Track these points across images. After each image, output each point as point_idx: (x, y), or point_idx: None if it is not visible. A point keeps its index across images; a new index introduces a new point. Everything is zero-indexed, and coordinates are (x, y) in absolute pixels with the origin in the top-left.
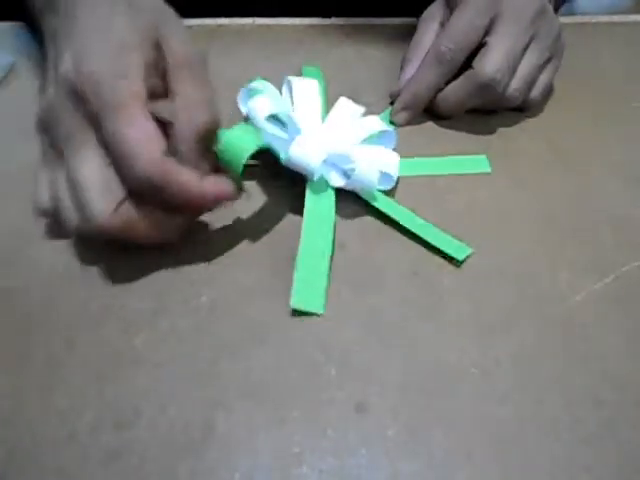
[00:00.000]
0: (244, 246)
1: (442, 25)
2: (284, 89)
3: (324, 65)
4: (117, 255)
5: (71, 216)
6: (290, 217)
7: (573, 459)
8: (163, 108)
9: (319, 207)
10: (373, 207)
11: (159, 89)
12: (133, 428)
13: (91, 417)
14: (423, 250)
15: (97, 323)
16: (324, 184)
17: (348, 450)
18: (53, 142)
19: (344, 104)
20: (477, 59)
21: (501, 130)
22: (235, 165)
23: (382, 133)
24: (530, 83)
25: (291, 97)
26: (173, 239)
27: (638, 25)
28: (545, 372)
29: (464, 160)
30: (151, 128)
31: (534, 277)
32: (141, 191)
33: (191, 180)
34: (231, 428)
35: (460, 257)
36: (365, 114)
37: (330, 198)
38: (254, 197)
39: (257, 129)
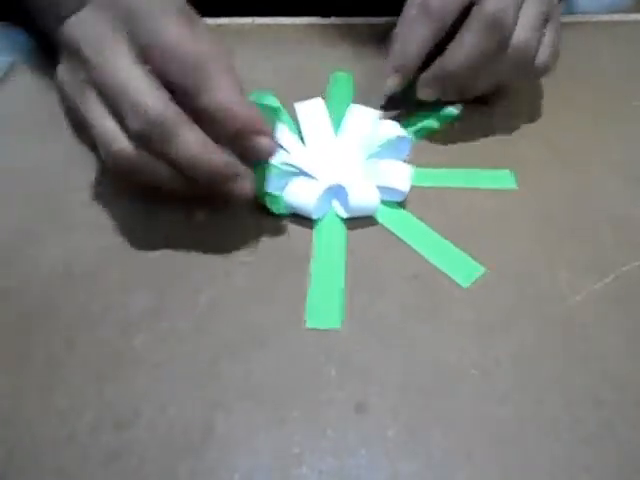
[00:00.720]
0: (244, 247)
1: None
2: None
3: (324, 65)
4: (117, 255)
5: (115, 135)
6: (292, 218)
7: (573, 459)
8: None
9: (328, 230)
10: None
11: None
12: (133, 428)
13: (91, 417)
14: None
15: (97, 323)
16: (332, 213)
17: (348, 450)
18: (92, 73)
19: (356, 112)
20: (477, 3)
21: (501, 129)
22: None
23: (397, 139)
24: (538, 35)
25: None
26: (207, 177)
27: (638, 24)
28: (545, 372)
29: (488, 174)
30: (193, 34)
31: (534, 277)
32: (179, 88)
33: (235, 90)
34: (231, 428)
35: (465, 283)
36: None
37: (339, 224)
38: (254, 197)
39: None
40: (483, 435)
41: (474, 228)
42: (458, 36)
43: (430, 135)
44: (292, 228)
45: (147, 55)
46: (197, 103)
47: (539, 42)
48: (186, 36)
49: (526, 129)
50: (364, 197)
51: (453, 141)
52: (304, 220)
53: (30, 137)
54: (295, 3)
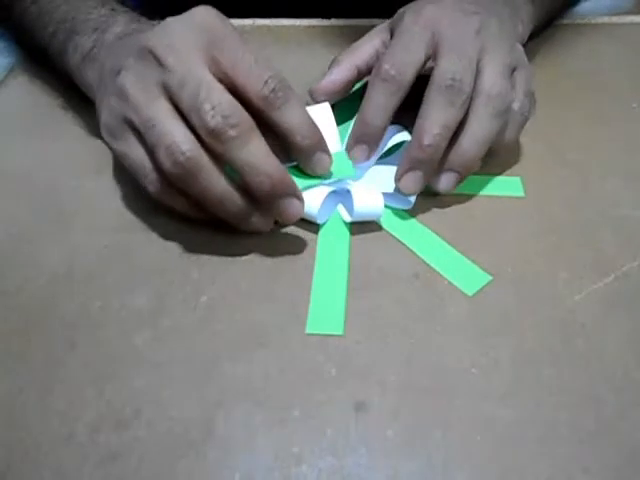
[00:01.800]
0: (245, 248)
1: (384, 45)
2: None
3: (324, 67)
4: (118, 255)
5: (149, 172)
6: None
7: (572, 459)
8: None
9: (332, 233)
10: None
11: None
12: (133, 428)
13: (91, 417)
14: None
15: (97, 323)
16: (337, 215)
17: (348, 450)
18: (128, 112)
19: None
20: (434, 70)
21: None
22: None
23: (404, 144)
24: (507, 82)
25: None
26: (233, 217)
27: (638, 26)
28: (544, 372)
29: (497, 181)
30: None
31: (534, 277)
32: (209, 131)
33: (267, 149)
34: (231, 428)
35: (470, 291)
36: None
37: (343, 228)
38: None
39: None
40: (483, 435)
41: (475, 228)
42: (421, 111)
43: None
44: (295, 229)
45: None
46: (229, 160)
47: (511, 89)
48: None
49: (526, 130)
50: (369, 202)
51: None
52: (303, 220)
53: (31, 137)
54: (296, 4)
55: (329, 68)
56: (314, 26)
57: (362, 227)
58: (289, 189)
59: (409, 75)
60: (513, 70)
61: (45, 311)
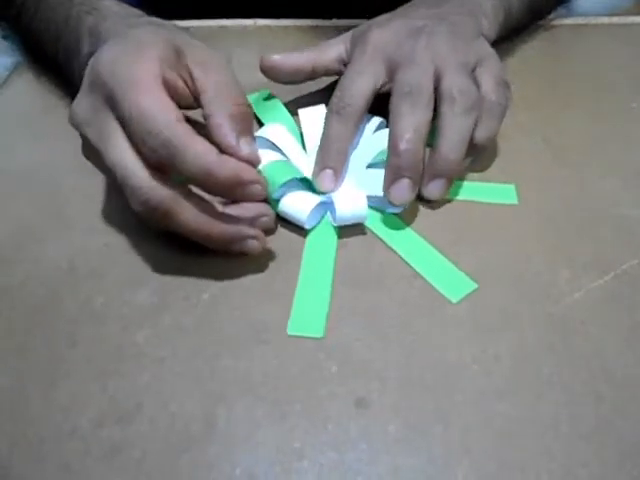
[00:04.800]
0: (245, 245)
1: (345, 53)
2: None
3: None
4: (119, 253)
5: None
6: None
7: (572, 455)
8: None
9: (320, 237)
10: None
11: (180, 90)
12: (135, 423)
13: (94, 412)
14: None
15: (99, 319)
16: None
17: (348, 445)
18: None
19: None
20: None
21: (501, 130)
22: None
23: None
24: (466, 79)
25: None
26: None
27: (638, 26)
28: (544, 369)
29: (490, 188)
30: (166, 97)
31: (534, 275)
32: (161, 160)
33: (208, 150)
34: (232, 423)
35: (454, 298)
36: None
37: (331, 232)
38: None
39: (287, 162)
40: (483, 430)
41: (475, 226)
42: (389, 120)
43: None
44: (293, 226)
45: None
46: (179, 171)
47: (474, 84)
48: (153, 107)
49: (526, 129)
50: (351, 205)
51: None
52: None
53: (35, 135)
54: (297, 4)
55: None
56: (315, 26)
57: (362, 226)
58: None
59: (360, 105)
60: (475, 65)
61: (47, 308)
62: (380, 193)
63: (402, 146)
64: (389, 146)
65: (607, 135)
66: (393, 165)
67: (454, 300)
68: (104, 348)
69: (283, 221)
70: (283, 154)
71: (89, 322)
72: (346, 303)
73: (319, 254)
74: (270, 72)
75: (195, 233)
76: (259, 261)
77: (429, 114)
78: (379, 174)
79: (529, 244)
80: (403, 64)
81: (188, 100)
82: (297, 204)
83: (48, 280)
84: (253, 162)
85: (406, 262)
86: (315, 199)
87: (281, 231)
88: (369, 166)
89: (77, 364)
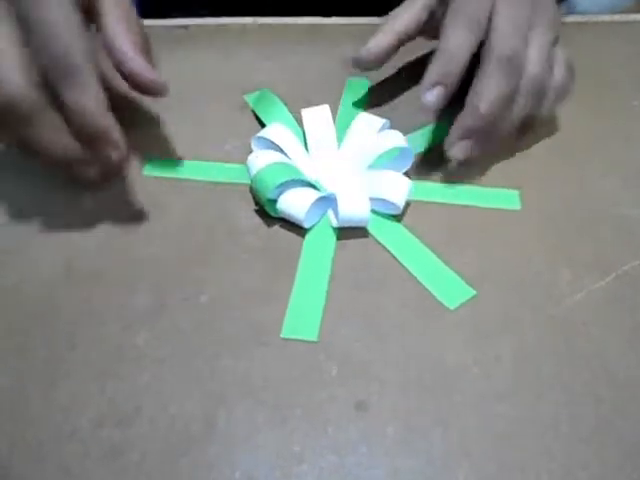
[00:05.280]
0: (245, 247)
1: (427, 10)
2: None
3: (325, 66)
4: (118, 254)
5: None
6: None
7: (572, 457)
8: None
9: (318, 238)
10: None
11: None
12: (135, 425)
13: (93, 414)
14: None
15: (98, 321)
16: (325, 220)
17: (348, 448)
18: None
19: (363, 120)
20: (489, 38)
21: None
22: (264, 199)
23: (399, 150)
24: (550, 63)
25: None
26: (66, 163)
27: (638, 24)
28: (545, 370)
29: (493, 193)
30: (76, 17)
31: (534, 275)
32: (53, 74)
33: (99, 94)
34: (232, 426)
35: (452, 305)
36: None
37: (330, 233)
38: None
39: (288, 166)
40: (483, 432)
41: (475, 227)
42: (478, 81)
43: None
44: (293, 227)
45: (27, 30)
46: (62, 97)
47: (551, 65)
48: (64, 22)
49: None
50: (354, 207)
51: None
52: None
53: None
54: (297, 3)
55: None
56: (315, 25)
57: (361, 236)
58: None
59: (484, 17)
60: (555, 42)
61: (47, 308)
62: (381, 195)
63: (484, 109)
64: (469, 103)
65: (608, 133)
66: (467, 125)
67: (452, 307)
68: (104, 349)
69: (282, 222)
70: (285, 154)
71: (88, 323)
72: (346, 305)
73: (317, 255)
74: (375, 63)
75: (43, 147)
76: (259, 262)
77: (516, 87)
78: (380, 176)
79: (530, 244)
80: (507, 18)
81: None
82: (295, 202)
83: (47, 280)
84: (160, 88)
85: (405, 267)
86: (313, 195)
87: (280, 232)
88: (370, 167)
89: (76, 365)
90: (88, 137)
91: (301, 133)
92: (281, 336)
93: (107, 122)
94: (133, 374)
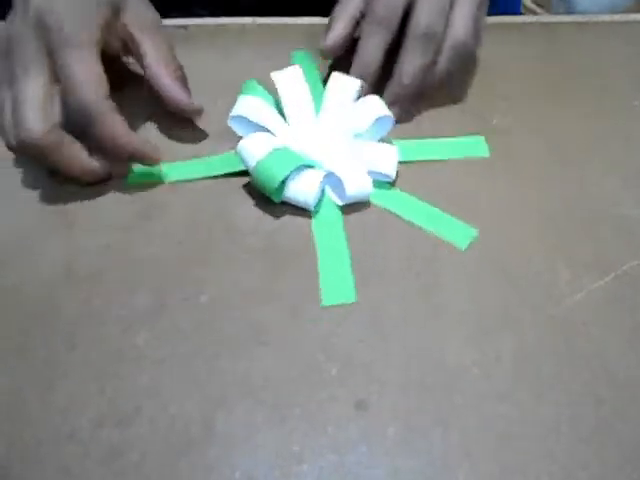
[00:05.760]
0: (245, 247)
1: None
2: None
3: (325, 63)
4: (118, 254)
5: (10, 131)
6: (292, 217)
7: (572, 457)
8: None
9: (325, 219)
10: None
11: (114, 49)
12: (134, 426)
13: (92, 415)
14: (425, 249)
15: (98, 321)
16: (327, 201)
17: (348, 448)
18: (9, 65)
19: (338, 82)
20: (409, 20)
21: (500, 129)
22: (269, 191)
23: (381, 117)
24: (472, 27)
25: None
26: (88, 180)
27: (638, 24)
28: (545, 370)
29: (461, 143)
30: (100, 70)
31: (534, 276)
32: (77, 122)
33: (121, 129)
34: (232, 426)
35: (463, 246)
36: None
37: (335, 210)
38: (255, 197)
39: (290, 153)
40: (483, 433)
41: (474, 227)
42: (400, 57)
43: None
44: (291, 227)
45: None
46: (89, 135)
47: (477, 32)
48: (86, 76)
49: (526, 129)
50: (360, 186)
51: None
52: (301, 218)
53: None
54: (296, 3)
55: (328, 27)
56: (314, 25)
57: (363, 224)
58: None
59: (398, 16)
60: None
61: (46, 309)
62: (376, 168)
63: (406, 80)
64: (395, 74)
65: (608, 134)
66: (394, 92)
67: (463, 248)
68: (103, 350)
69: (281, 222)
70: (263, 129)
71: (88, 323)
72: (346, 305)
73: (329, 232)
74: (337, 52)
75: (63, 171)
76: (259, 262)
77: (434, 57)
78: (369, 148)
79: (529, 244)
80: None
81: (116, 52)
82: (303, 188)
83: (46, 281)
84: (196, 111)
85: (418, 256)
86: (317, 178)
87: (280, 232)
88: (357, 137)
89: (76, 366)
90: (123, 157)
91: (273, 100)
92: (321, 305)
93: (136, 142)
94: (133, 374)
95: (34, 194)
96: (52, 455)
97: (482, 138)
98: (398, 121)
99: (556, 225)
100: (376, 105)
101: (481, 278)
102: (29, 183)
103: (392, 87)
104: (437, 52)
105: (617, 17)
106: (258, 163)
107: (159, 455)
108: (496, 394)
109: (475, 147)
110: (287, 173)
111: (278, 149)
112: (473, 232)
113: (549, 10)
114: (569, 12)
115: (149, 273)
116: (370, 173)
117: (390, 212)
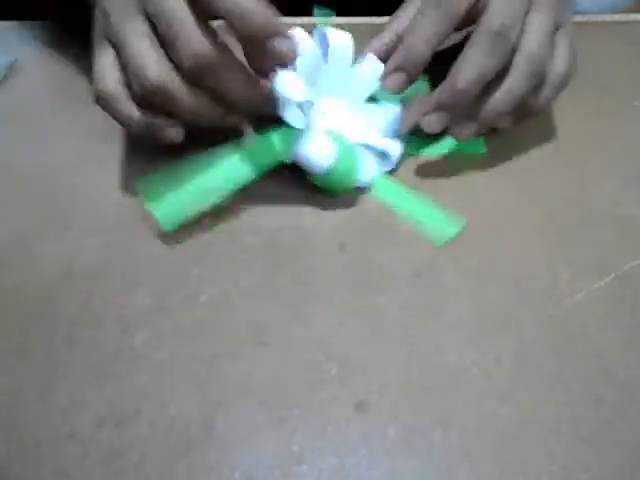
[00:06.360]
0: (245, 247)
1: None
2: (315, 41)
3: None
4: (118, 254)
5: (137, 72)
6: (292, 217)
7: (572, 458)
8: None
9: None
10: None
11: None
12: (133, 426)
13: (92, 415)
14: (424, 250)
15: (97, 322)
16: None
17: (348, 449)
18: (108, 31)
19: (365, 64)
20: (481, 14)
21: (500, 128)
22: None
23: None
24: (549, 41)
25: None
26: (210, 123)
27: (638, 24)
28: (545, 371)
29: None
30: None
31: (534, 276)
32: (194, 70)
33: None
34: (231, 427)
35: (442, 239)
36: None
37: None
38: (255, 197)
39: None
40: (483, 434)
41: (474, 227)
42: (462, 54)
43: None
44: (291, 226)
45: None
46: (215, 9)
47: (552, 49)
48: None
49: (526, 129)
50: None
51: None
52: (300, 218)
53: (31, 135)
54: (297, 2)
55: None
56: (315, 24)
57: (361, 226)
58: (276, 28)
59: (462, 6)
60: (557, 27)
61: (45, 309)
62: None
63: (461, 85)
64: (449, 75)
65: (608, 134)
66: (443, 98)
67: (442, 241)
68: (103, 350)
69: (281, 222)
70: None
71: (87, 324)
72: (346, 305)
73: (396, 194)
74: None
75: (189, 113)
76: (259, 262)
77: (502, 65)
78: (383, 111)
79: (529, 244)
80: None
81: None
82: (316, 153)
83: (46, 281)
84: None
85: (418, 256)
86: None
87: (281, 232)
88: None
89: (75, 366)
90: (261, 33)
91: None
92: (438, 245)
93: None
94: (132, 375)
95: (34, 194)
96: (51, 456)
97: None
98: (392, 159)
99: (556, 225)
100: (372, 65)
101: (481, 278)
102: (30, 183)
103: (441, 91)
104: (506, 60)
105: (617, 17)
106: (333, 166)
107: (159, 455)
108: (496, 394)
109: (472, 142)
110: (357, 166)
111: (343, 147)
112: (455, 228)
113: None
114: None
115: (149, 273)
116: (375, 154)
117: (388, 209)
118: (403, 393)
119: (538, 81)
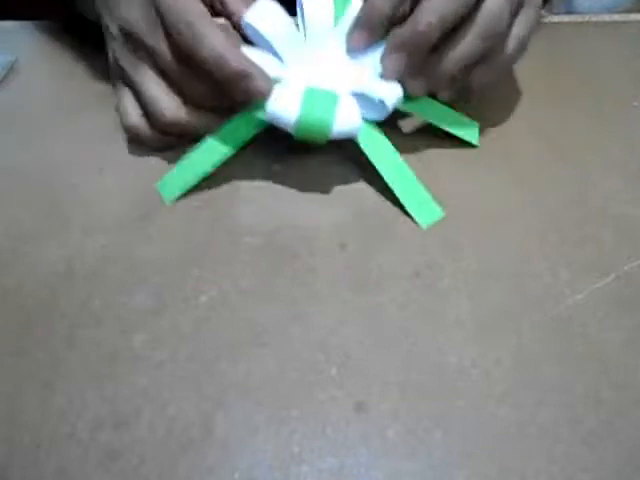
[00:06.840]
0: (245, 247)
1: None
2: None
3: None
4: (117, 254)
5: (155, 113)
6: (292, 217)
7: (572, 459)
8: None
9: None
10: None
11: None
12: (133, 428)
13: (91, 416)
14: (424, 250)
15: (97, 322)
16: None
17: (348, 450)
18: (122, 75)
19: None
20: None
21: (500, 129)
22: (320, 139)
23: None
24: (509, 9)
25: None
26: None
27: (638, 24)
28: (545, 372)
29: (456, 117)
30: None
31: (534, 277)
32: (182, 43)
33: (226, 40)
34: (231, 427)
35: (425, 224)
36: None
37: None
38: (255, 197)
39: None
40: (483, 435)
41: (474, 227)
42: (422, 1)
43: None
44: (291, 226)
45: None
46: (194, 55)
47: (512, 16)
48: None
49: (526, 129)
50: (397, 95)
51: (453, 140)
52: (300, 218)
53: (30, 137)
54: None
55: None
56: None
57: (361, 226)
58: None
59: None
60: (520, 5)
61: (44, 309)
62: (377, 93)
63: (421, 27)
64: (410, 18)
65: (608, 134)
66: (403, 38)
67: (424, 226)
68: (102, 351)
69: (281, 222)
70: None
71: (86, 325)
72: (346, 305)
73: (385, 156)
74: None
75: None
76: (259, 262)
77: (463, 13)
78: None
79: (529, 245)
80: None
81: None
82: (284, 108)
83: (45, 281)
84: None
85: (418, 256)
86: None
87: (280, 232)
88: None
89: (74, 367)
90: (234, 77)
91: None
92: (423, 228)
93: (245, 59)
94: (131, 376)
95: (34, 194)
96: (50, 457)
97: (476, 124)
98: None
99: (556, 225)
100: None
101: (481, 278)
102: (26, 183)
103: (402, 30)
104: (467, 10)
105: (617, 17)
106: (300, 117)
107: (158, 457)
108: (496, 395)
109: (467, 129)
110: (333, 114)
111: (310, 91)
112: (439, 213)
113: (549, 10)
114: (569, 12)
115: (149, 273)
116: (366, 105)
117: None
118: (403, 394)
119: (492, 43)
